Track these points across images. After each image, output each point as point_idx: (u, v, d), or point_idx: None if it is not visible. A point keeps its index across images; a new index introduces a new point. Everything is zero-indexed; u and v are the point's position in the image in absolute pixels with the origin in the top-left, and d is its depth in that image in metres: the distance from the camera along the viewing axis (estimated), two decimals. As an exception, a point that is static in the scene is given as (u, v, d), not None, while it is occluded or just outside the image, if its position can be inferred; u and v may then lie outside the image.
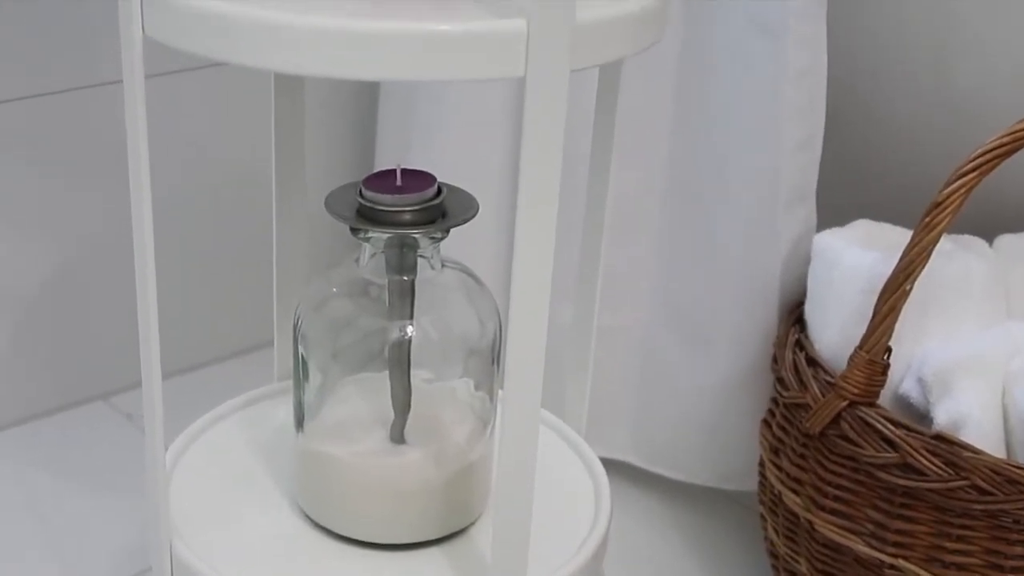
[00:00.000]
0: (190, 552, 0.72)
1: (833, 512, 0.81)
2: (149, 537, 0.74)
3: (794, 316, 0.91)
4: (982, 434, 0.76)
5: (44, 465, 1.06)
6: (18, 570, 0.94)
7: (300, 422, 0.75)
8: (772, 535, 0.89)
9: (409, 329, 0.72)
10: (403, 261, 0.72)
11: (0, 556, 0.95)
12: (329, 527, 0.75)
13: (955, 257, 0.83)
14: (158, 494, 0.72)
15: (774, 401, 0.89)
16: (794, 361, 0.85)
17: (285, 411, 0.82)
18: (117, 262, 1.10)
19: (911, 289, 0.75)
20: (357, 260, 0.73)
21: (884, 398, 0.80)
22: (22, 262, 1.08)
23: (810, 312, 0.88)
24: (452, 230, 0.71)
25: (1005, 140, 0.73)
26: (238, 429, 0.84)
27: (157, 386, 0.69)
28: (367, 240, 0.71)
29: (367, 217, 0.69)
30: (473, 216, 0.71)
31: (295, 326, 0.74)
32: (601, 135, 0.77)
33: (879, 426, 0.77)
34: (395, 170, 0.70)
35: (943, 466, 0.74)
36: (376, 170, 0.80)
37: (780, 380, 0.86)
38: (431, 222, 0.70)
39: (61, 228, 1.09)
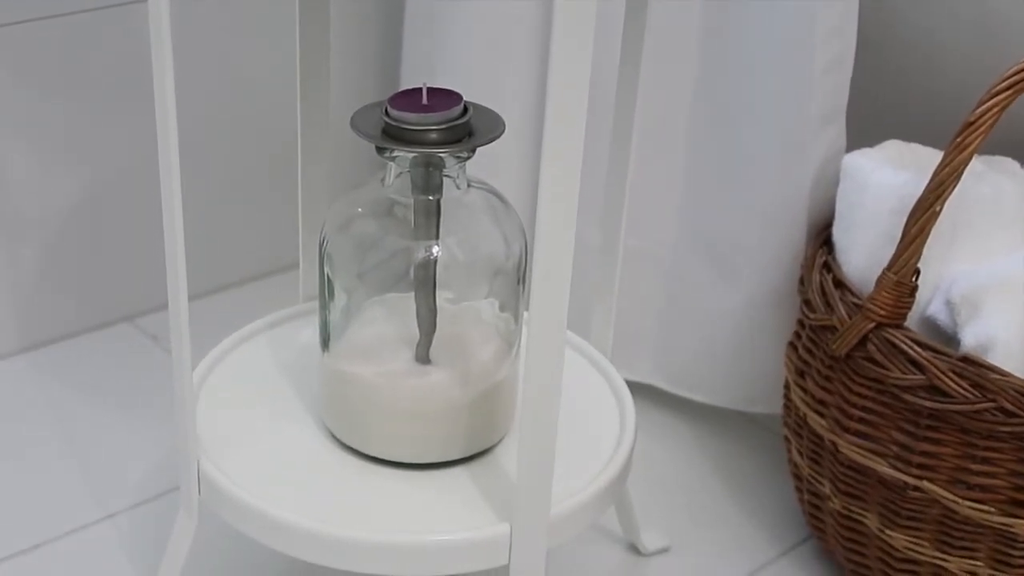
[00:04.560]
0: (217, 471, 0.72)
1: (858, 434, 0.81)
2: (176, 456, 0.75)
3: (822, 238, 0.90)
4: (1009, 356, 0.76)
5: (70, 387, 1.07)
6: (45, 490, 0.95)
7: (326, 343, 0.75)
8: (796, 457, 0.89)
9: (435, 249, 0.72)
10: (429, 181, 0.71)
11: (27, 475, 0.96)
12: (354, 447, 0.75)
13: (986, 178, 0.82)
14: (185, 414, 0.72)
15: (800, 323, 0.88)
16: (821, 283, 0.85)
17: (311, 332, 0.82)
18: (143, 184, 1.10)
19: (941, 210, 0.74)
20: (382, 180, 0.73)
21: (911, 320, 0.79)
22: (48, 185, 1.08)
23: (838, 234, 0.87)
24: (478, 150, 0.70)
25: (1040, 58, 0.72)
26: (264, 350, 0.84)
27: (183, 307, 0.70)
28: (393, 159, 0.71)
29: (393, 136, 0.69)
30: (500, 135, 0.70)
31: (320, 246, 0.73)
32: (629, 54, 0.76)
33: (906, 348, 0.76)
34: (421, 89, 0.69)
35: (969, 388, 0.74)
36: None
37: (807, 302, 0.86)
38: (457, 141, 0.69)
39: (86, 150, 1.09)
